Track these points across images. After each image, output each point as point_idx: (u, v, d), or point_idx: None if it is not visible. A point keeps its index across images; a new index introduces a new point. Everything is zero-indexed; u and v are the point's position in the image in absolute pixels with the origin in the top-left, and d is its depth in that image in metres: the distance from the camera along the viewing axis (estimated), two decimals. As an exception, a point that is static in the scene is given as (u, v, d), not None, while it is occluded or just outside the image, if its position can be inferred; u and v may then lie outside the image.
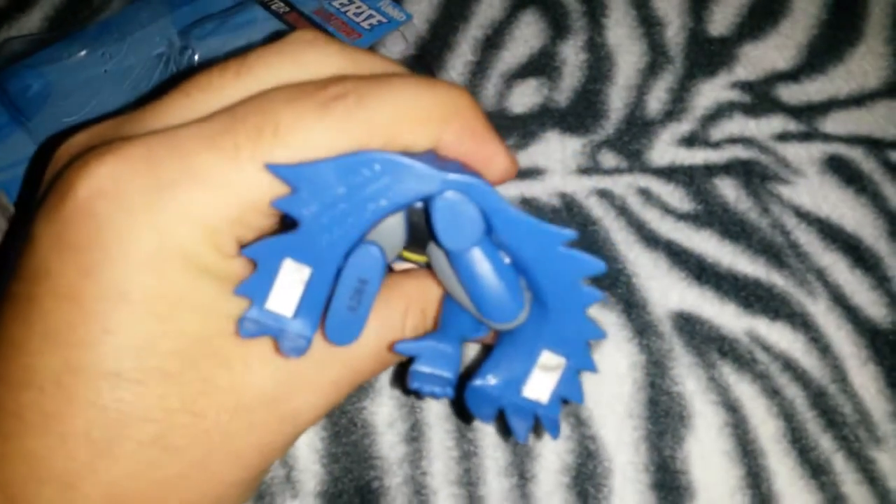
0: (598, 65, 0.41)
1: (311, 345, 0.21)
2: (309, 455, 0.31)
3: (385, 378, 0.33)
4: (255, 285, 0.21)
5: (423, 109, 0.21)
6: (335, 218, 0.20)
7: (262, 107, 0.20)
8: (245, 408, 0.21)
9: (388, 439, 0.32)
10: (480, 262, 0.21)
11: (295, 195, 0.20)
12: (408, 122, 0.20)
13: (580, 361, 0.22)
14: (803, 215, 0.36)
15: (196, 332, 0.20)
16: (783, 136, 0.39)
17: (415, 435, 0.32)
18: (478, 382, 0.22)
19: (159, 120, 0.21)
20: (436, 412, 0.32)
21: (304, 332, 0.21)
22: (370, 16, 0.43)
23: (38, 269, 0.20)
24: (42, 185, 0.22)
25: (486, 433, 0.32)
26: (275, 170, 0.19)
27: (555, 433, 0.23)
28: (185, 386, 0.20)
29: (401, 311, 0.23)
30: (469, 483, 0.31)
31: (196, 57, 0.41)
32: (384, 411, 0.32)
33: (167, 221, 0.19)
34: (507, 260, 0.22)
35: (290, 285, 0.21)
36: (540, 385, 0.23)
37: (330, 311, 0.21)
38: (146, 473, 0.20)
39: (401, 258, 0.24)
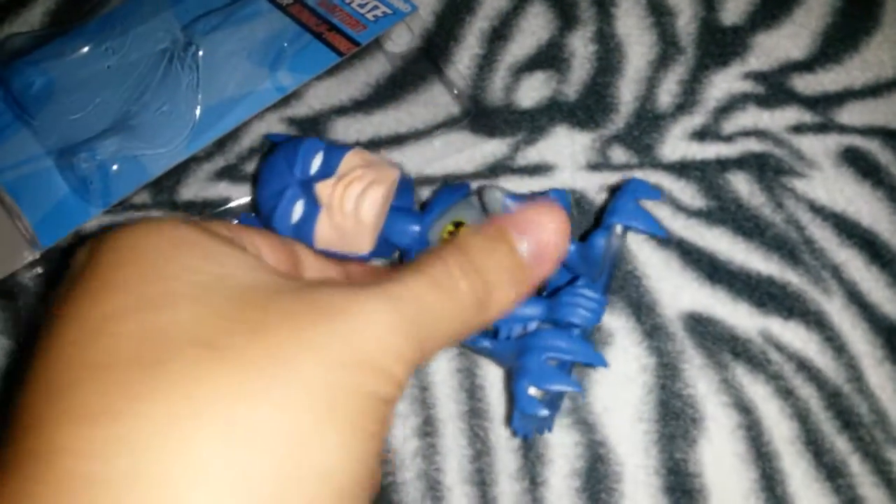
0: (608, 56, 0.40)
1: None
2: (317, 460, 0.31)
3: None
4: None
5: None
6: None
7: None
8: None
9: (400, 432, 0.32)
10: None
11: None
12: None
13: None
14: (818, 210, 0.36)
15: None
16: (798, 128, 0.38)
17: (428, 430, 0.32)
18: None
19: None
20: (448, 410, 0.32)
21: None
22: (375, 7, 0.43)
23: None
24: None
25: (498, 435, 0.32)
26: None
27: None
28: None
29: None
30: (482, 483, 0.31)
31: (200, 53, 0.40)
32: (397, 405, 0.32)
33: None
34: None
35: None
36: None
37: None
38: (208, 379, 0.19)
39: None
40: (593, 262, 0.27)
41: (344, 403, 0.18)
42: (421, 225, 0.31)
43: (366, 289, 0.20)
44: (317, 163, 0.31)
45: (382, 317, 0.20)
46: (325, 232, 0.30)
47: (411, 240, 0.31)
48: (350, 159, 0.30)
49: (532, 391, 0.26)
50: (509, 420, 0.29)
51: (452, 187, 0.32)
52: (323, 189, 0.29)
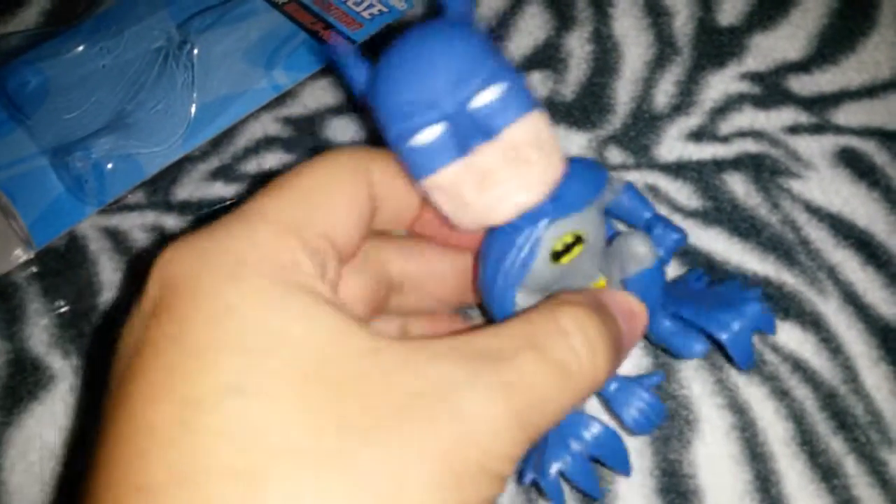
0: (605, 57, 0.40)
1: None
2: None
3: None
4: None
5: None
6: None
7: None
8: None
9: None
10: None
11: None
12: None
13: None
14: (814, 210, 0.36)
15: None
16: (794, 129, 0.38)
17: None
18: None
19: None
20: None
21: None
22: (371, 5, 0.43)
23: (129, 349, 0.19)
24: None
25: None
26: None
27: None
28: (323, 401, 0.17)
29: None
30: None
31: (195, 51, 0.40)
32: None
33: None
34: None
35: None
36: None
37: None
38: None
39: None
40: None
41: None
42: (539, 221, 0.23)
43: (478, 372, 0.19)
44: (487, 97, 0.22)
45: (497, 414, 0.18)
46: (450, 181, 0.22)
47: (515, 231, 0.24)
48: (524, 128, 0.22)
49: (553, 470, 0.24)
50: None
51: (589, 169, 0.25)
52: (483, 153, 0.22)
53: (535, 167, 0.22)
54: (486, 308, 0.26)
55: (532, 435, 0.19)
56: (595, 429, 0.25)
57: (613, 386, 0.26)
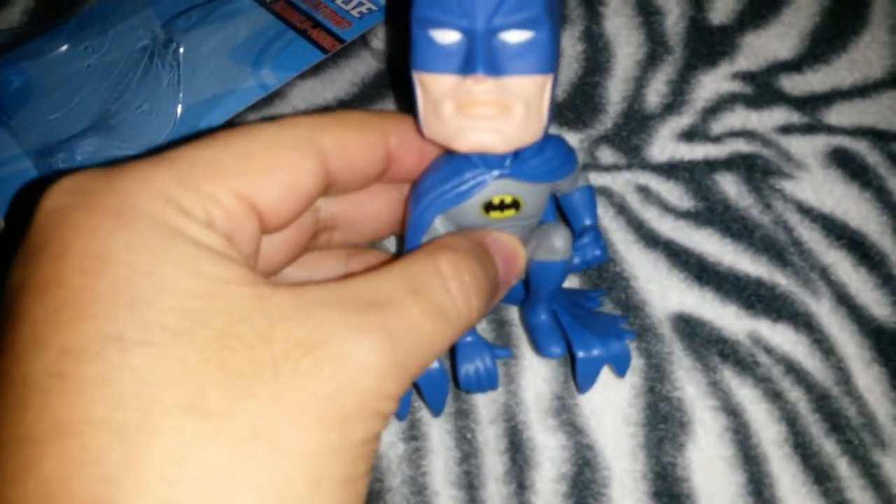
0: (596, 56, 0.40)
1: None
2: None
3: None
4: None
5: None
6: None
7: None
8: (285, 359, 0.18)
9: (386, 437, 0.31)
10: None
11: None
12: None
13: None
14: (806, 211, 0.35)
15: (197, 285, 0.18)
16: (786, 129, 0.38)
17: (414, 433, 0.31)
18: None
19: None
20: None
21: None
22: (359, 3, 0.42)
23: (13, 288, 0.18)
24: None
25: (486, 436, 0.31)
26: None
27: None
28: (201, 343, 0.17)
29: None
30: (470, 486, 0.31)
31: (181, 50, 0.40)
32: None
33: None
34: None
35: None
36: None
37: None
38: (195, 454, 0.16)
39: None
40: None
41: (331, 468, 0.18)
42: (494, 169, 0.24)
43: (362, 318, 0.19)
44: (516, 37, 0.21)
45: (380, 359, 0.18)
46: (438, 89, 0.23)
47: (469, 165, 0.24)
48: (528, 85, 0.22)
49: None
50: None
51: (563, 153, 0.26)
52: (480, 83, 0.22)
53: (515, 122, 0.22)
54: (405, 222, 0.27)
55: (413, 374, 0.20)
56: (431, 365, 0.27)
57: (469, 338, 0.28)
